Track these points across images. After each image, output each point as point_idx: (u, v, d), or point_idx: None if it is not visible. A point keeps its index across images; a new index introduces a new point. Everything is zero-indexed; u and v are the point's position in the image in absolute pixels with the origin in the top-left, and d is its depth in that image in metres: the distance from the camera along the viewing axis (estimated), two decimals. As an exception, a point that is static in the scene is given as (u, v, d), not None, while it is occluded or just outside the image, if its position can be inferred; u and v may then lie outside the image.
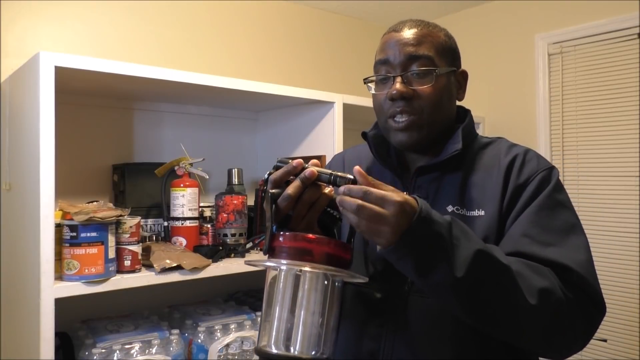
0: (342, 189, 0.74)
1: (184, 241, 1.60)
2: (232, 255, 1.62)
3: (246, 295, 1.97)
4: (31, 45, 1.71)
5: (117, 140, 1.86)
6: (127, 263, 1.36)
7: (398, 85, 0.89)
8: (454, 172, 0.92)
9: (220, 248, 1.58)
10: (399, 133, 0.91)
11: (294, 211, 0.80)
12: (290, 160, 0.80)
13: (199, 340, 1.57)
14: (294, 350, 0.73)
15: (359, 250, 0.91)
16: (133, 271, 1.37)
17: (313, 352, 0.73)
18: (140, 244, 1.42)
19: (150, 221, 1.71)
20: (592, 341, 2.22)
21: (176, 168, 1.66)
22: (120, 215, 1.34)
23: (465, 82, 0.99)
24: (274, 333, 0.74)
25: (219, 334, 1.59)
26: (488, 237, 0.85)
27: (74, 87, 1.59)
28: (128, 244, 1.37)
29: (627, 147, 2.08)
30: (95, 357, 1.38)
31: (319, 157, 1.82)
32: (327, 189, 0.81)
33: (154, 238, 1.60)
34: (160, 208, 1.68)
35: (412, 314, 0.87)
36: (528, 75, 2.40)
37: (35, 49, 1.49)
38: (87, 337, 1.44)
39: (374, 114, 0.98)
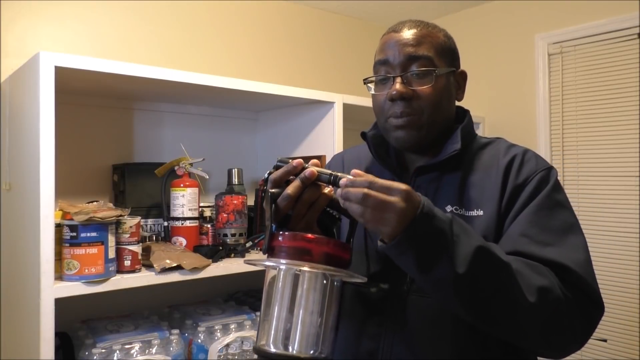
0: (344, 181, 0.74)
1: (184, 241, 1.60)
2: (232, 255, 1.62)
3: (246, 295, 1.97)
4: (31, 45, 1.71)
5: (117, 140, 1.86)
6: (127, 263, 1.37)
7: (398, 86, 0.89)
8: (453, 172, 0.93)
9: (220, 248, 1.59)
10: (399, 134, 0.92)
11: (294, 211, 0.81)
12: (290, 160, 0.80)
13: (199, 340, 1.58)
14: (293, 350, 0.73)
15: (358, 250, 0.91)
16: (133, 271, 1.38)
17: (312, 352, 0.74)
18: (140, 244, 1.42)
19: (150, 221, 1.71)
20: (592, 341, 2.22)
21: (176, 168, 1.66)
22: (120, 215, 1.34)
23: (464, 82, 0.99)
24: (272, 332, 0.74)
25: (219, 334, 1.59)
26: (487, 237, 0.85)
27: (74, 87, 1.59)
28: (128, 244, 1.37)
29: (627, 147, 2.08)
30: (95, 357, 1.38)
31: (319, 157, 1.82)
32: (327, 189, 0.81)
33: (154, 238, 1.60)
34: (160, 208, 1.68)
35: (411, 313, 0.87)
36: (528, 75, 2.40)
37: (35, 49, 1.50)
38: (87, 337, 1.44)
39: (374, 114, 0.98)
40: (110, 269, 1.31)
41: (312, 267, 0.74)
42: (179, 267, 1.42)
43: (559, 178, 0.91)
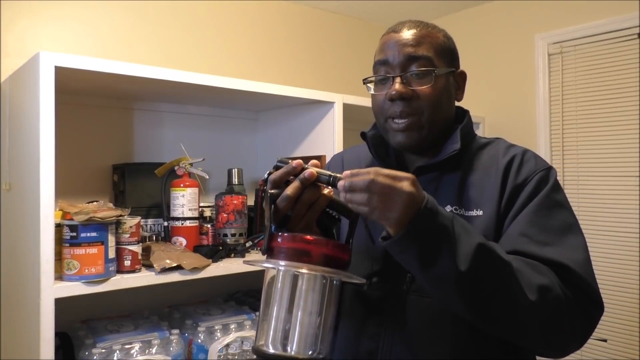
0: (347, 172, 0.73)
1: (184, 241, 1.60)
2: (232, 255, 1.62)
3: (246, 295, 1.97)
4: (31, 45, 1.71)
5: (117, 140, 1.86)
6: (127, 263, 1.37)
7: (397, 86, 0.90)
8: (453, 172, 0.93)
9: (220, 248, 1.59)
10: (399, 134, 0.92)
11: (293, 211, 0.81)
12: (290, 161, 0.80)
13: (199, 340, 1.58)
14: (291, 350, 0.73)
15: (357, 250, 0.91)
16: (133, 271, 1.38)
17: (310, 352, 0.74)
18: (140, 244, 1.42)
19: (150, 221, 1.72)
20: (592, 341, 2.22)
21: (176, 168, 1.66)
22: (120, 215, 1.34)
23: (463, 82, 0.99)
24: (271, 333, 0.74)
25: (219, 334, 1.59)
26: (486, 237, 0.85)
27: (74, 87, 1.59)
28: (128, 244, 1.37)
29: (627, 147, 2.08)
30: (95, 357, 1.38)
31: (318, 157, 1.83)
32: (326, 190, 0.81)
33: (154, 238, 1.60)
34: (160, 208, 1.68)
35: (410, 313, 0.87)
36: (528, 75, 2.40)
37: (35, 49, 1.50)
38: (87, 337, 1.44)
39: (373, 114, 0.98)
40: (110, 269, 1.31)
41: (310, 270, 0.74)
42: (179, 267, 1.42)
43: (558, 178, 0.91)
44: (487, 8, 2.57)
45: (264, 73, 2.29)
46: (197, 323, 1.61)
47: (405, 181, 0.72)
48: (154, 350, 1.45)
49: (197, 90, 1.64)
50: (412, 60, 0.90)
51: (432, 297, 0.84)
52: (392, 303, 0.89)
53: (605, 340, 2.11)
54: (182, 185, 1.63)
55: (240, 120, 2.18)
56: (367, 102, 1.79)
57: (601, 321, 0.84)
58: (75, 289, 1.26)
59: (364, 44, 2.66)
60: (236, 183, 1.82)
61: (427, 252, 0.72)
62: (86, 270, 1.27)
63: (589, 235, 2.02)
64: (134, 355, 1.41)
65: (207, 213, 1.73)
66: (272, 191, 0.79)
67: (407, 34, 0.92)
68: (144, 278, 1.38)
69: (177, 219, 1.62)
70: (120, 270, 1.36)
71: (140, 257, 1.41)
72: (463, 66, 1.00)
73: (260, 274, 0.82)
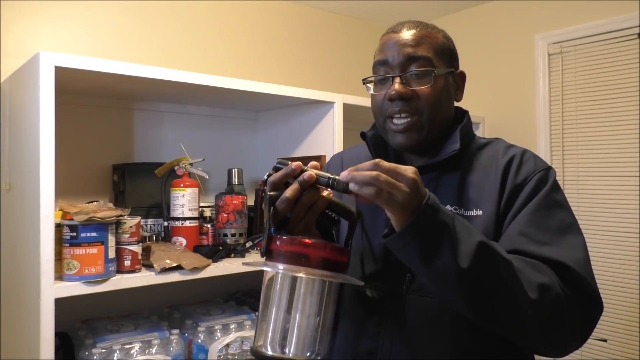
0: (350, 169, 0.73)
1: (184, 241, 1.60)
2: (232, 255, 1.62)
3: (246, 295, 1.97)
4: (31, 45, 1.71)
5: (117, 140, 1.86)
6: (127, 263, 1.37)
7: (397, 86, 0.90)
8: (452, 172, 0.93)
9: (220, 248, 1.59)
10: (398, 135, 0.92)
11: (292, 213, 0.81)
12: (289, 162, 0.80)
13: (199, 340, 1.58)
14: (289, 352, 0.73)
15: (356, 252, 0.92)
16: (133, 271, 1.38)
17: (308, 354, 0.74)
18: (140, 244, 1.42)
19: (150, 221, 1.72)
20: (592, 341, 2.22)
21: (176, 168, 1.66)
22: (120, 215, 1.34)
23: (463, 83, 0.99)
24: (269, 334, 0.74)
25: (219, 334, 1.59)
26: (486, 237, 0.85)
27: (74, 87, 1.59)
28: (128, 244, 1.37)
29: (627, 147, 2.08)
30: (95, 357, 1.38)
31: (318, 157, 1.83)
32: (326, 192, 0.81)
33: (154, 238, 1.61)
34: (160, 208, 1.68)
35: (410, 313, 0.87)
36: (528, 75, 2.40)
37: (35, 49, 1.50)
38: (87, 337, 1.45)
39: (372, 114, 0.98)
40: (110, 269, 1.31)
41: (308, 273, 0.74)
42: (179, 267, 1.42)
43: (558, 178, 0.92)
44: (487, 8, 2.57)
45: (264, 73, 2.29)
46: (197, 323, 1.61)
47: (409, 169, 0.72)
48: (154, 350, 1.45)
49: (197, 90, 1.65)
50: (411, 60, 0.90)
51: (433, 295, 0.84)
52: (391, 302, 0.89)
53: (605, 340, 2.11)
54: (182, 185, 1.63)
55: (240, 120, 2.18)
56: (367, 102, 1.79)
57: (601, 321, 0.84)
58: (75, 289, 1.26)
59: (364, 44, 2.66)
60: (236, 183, 1.82)
61: (428, 247, 0.73)
62: (86, 270, 1.27)
63: (589, 235, 2.02)
64: (134, 355, 1.42)
65: (207, 213, 1.73)
66: (271, 193, 0.79)
67: (407, 34, 0.92)
68: (144, 278, 1.38)
69: (177, 219, 1.62)
70: (120, 270, 1.36)
71: (140, 257, 1.41)
72: (463, 66, 1.00)
73: (260, 274, 0.83)
